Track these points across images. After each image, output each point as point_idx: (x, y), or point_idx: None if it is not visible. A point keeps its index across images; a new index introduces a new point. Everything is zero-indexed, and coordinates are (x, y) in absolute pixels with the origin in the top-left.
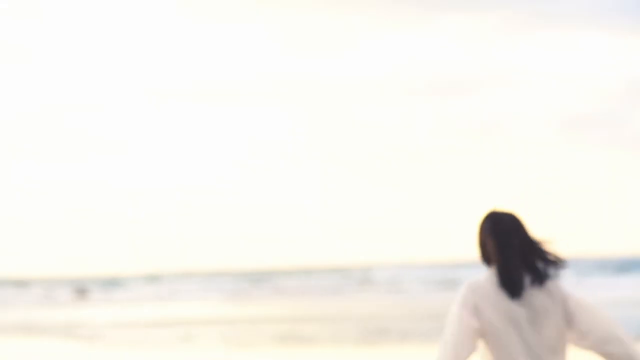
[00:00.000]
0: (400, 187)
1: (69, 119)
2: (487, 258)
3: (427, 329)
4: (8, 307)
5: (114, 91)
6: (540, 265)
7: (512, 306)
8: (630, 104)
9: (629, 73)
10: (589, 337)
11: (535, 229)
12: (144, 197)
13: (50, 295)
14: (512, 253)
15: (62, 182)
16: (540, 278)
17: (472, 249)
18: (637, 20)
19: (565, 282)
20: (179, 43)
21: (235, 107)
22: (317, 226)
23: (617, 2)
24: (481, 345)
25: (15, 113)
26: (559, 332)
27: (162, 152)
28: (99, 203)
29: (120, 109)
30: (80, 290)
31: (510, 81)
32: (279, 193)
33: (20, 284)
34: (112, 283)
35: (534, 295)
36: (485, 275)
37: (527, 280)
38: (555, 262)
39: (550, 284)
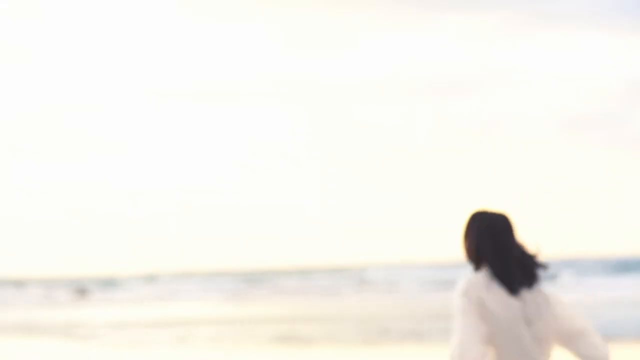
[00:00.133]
0: (400, 187)
1: (69, 119)
2: (477, 258)
3: (427, 330)
4: (7, 307)
5: (114, 91)
6: (532, 266)
7: (512, 301)
8: (630, 104)
9: (629, 73)
10: (565, 334)
11: (535, 230)
12: (143, 197)
13: (50, 295)
14: (510, 252)
15: (62, 182)
16: (531, 279)
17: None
18: (637, 20)
19: (566, 282)
20: (179, 43)
21: (235, 107)
22: (317, 226)
23: (617, 2)
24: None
25: (15, 113)
26: (548, 332)
27: (162, 152)
28: (99, 203)
29: (120, 109)
30: (80, 290)
31: (510, 81)
32: (279, 193)
33: (20, 283)
34: (111, 283)
35: (526, 294)
36: (480, 274)
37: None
38: (542, 265)
39: (537, 285)
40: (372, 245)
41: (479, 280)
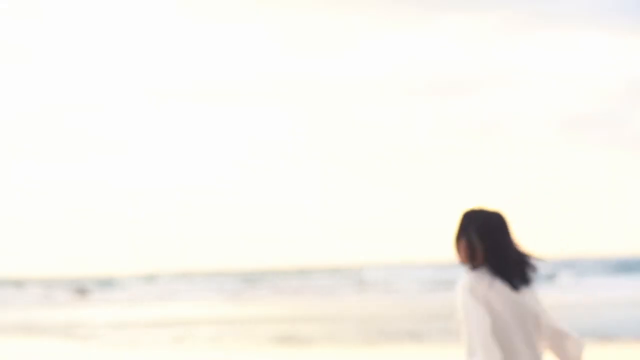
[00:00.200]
0: (400, 187)
1: (69, 119)
2: (472, 257)
3: (426, 330)
4: (7, 307)
5: (114, 91)
6: (527, 264)
7: (515, 298)
8: (630, 104)
9: (629, 73)
10: (556, 333)
11: (535, 230)
12: (143, 197)
13: (50, 295)
14: (507, 251)
15: (62, 182)
16: (527, 277)
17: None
18: (637, 20)
19: (565, 282)
20: (179, 43)
21: (235, 107)
22: (317, 226)
23: (617, 2)
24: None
25: (15, 113)
26: (544, 330)
27: (162, 152)
28: (98, 203)
29: (120, 109)
30: (80, 290)
31: (510, 81)
32: (279, 193)
33: (20, 283)
34: (111, 283)
35: (525, 292)
36: (480, 272)
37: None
38: (534, 266)
39: (531, 284)
40: (371, 245)
41: (482, 278)
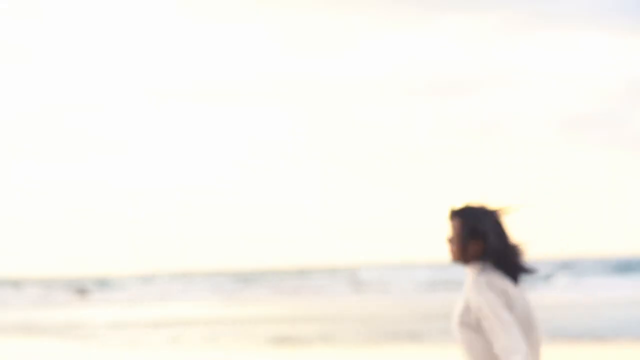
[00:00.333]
0: (399, 187)
1: (69, 119)
2: (471, 255)
3: (424, 330)
4: (7, 307)
5: (114, 91)
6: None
7: (521, 292)
8: (630, 104)
9: (629, 73)
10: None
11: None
12: (143, 197)
13: (49, 295)
14: (509, 246)
15: (62, 182)
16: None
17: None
18: (637, 20)
19: (565, 282)
20: (179, 43)
21: (235, 107)
22: (316, 226)
23: (617, 2)
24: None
25: (15, 113)
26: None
27: (162, 152)
28: (98, 203)
29: (120, 109)
30: (80, 290)
31: (510, 81)
32: (278, 193)
33: (19, 284)
34: (110, 283)
35: (521, 289)
36: (489, 268)
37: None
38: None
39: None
40: (369, 245)
41: (496, 273)
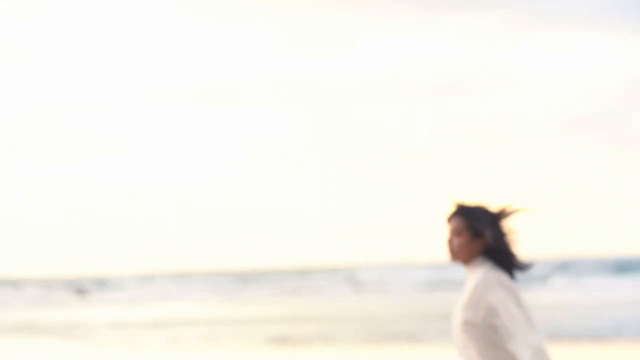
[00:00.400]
0: (399, 187)
1: (69, 119)
2: (471, 254)
3: (423, 330)
4: (6, 307)
5: (114, 91)
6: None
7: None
8: (630, 104)
9: (629, 73)
10: None
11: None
12: (143, 197)
13: (49, 295)
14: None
15: (62, 182)
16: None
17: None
18: (637, 20)
19: (565, 282)
20: (179, 43)
21: (235, 107)
22: (316, 226)
23: (617, 2)
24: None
25: (15, 113)
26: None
27: (162, 152)
28: (98, 203)
29: (120, 109)
30: (79, 290)
31: (510, 81)
32: (279, 193)
33: (19, 283)
34: (110, 283)
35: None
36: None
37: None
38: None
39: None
40: (369, 245)
41: (499, 270)
